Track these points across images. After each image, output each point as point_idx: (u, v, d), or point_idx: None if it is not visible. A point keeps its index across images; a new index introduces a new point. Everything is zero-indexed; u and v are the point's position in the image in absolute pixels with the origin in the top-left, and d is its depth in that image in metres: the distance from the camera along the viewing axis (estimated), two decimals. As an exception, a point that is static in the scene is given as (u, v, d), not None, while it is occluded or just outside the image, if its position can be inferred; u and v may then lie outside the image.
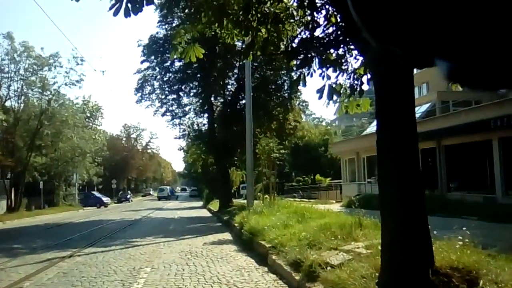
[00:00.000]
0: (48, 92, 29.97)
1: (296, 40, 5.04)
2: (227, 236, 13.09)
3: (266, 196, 15.96)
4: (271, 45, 5.08)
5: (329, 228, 8.08)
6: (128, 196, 58.04)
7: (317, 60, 4.85)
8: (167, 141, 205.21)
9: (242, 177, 43.63)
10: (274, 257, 7.63)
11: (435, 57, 0.63)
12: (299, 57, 4.87)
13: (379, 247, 6.38)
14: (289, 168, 47.01)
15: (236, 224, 13.68)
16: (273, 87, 24.72)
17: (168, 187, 69.56)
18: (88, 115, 64.54)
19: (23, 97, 29.34)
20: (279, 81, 24.96)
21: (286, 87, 24.65)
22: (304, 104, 26.18)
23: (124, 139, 76.78)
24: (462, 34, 0.59)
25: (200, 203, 40.30)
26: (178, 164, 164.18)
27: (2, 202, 30.45)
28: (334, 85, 5.39)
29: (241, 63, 25.21)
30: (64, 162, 36.77)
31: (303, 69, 5.00)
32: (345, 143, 34.90)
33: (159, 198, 58.83)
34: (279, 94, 24.70)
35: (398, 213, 4.35)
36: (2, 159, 27.35)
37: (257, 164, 21.61)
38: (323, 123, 67.84)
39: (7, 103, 29.48)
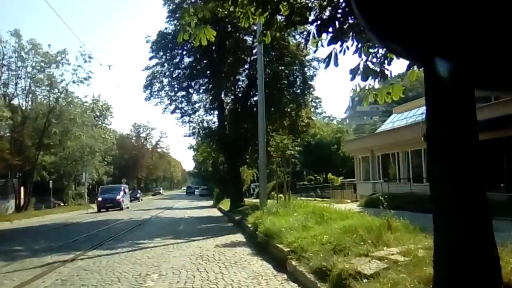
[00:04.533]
0: (56, 90, 29.51)
1: (329, 9, 4.27)
2: (239, 237, 12.35)
3: (281, 195, 15.16)
4: (298, 16, 4.29)
5: (355, 231, 7.28)
6: (138, 195, 57.66)
7: (352, 33, 4.06)
8: (177, 140, 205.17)
9: (252, 175, 42.99)
10: (294, 262, 6.86)
11: (434, 56, 0.62)
12: (330, 31, 4.09)
13: (418, 254, 5.60)
14: (301, 166, 46.15)
15: (249, 225, 12.93)
16: (285, 82, 23.93)
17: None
18: (98, 114, 64.64)
19: (30, 95, 28.91)
20: (291, 77, 24.17)
21: (298, 83, 23.86)
22: (316, 100, 25.37)
23: (134, 138, 76.61)
24: (462, 34, 0.58)
25: (210, 202, 39.64)
26: (187, 163, 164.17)
27: (11, 201, 30.13)
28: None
29: (252, 58, 24.51)
30: (73, 161, 36.42)
31: (335, 45, 4.22)
32: (359, 141, 33.99)
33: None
34: (291, 90, 23.91)
35: (455, 216, 3.54)
36: (10, 158, 26.96)
37: (269, 162, 20.91)
38: (334, 122, 66.90)
39: (15, 101, 29.13)
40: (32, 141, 29.44)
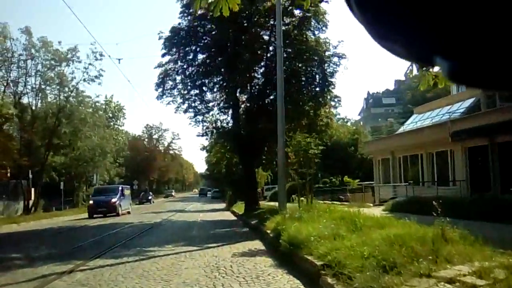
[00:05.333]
0: (67, 89, 28.75)
1: None
2: (258, 245, 11.18)
3: (302, 198, 13.93)
4: None
5: (402, 242, 6.07)
6: (150, 197, 56.85)
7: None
8: (190, 142, 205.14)
9: (266, 178, 41.82)
10: (330, 280, 5.68)
11: (436, 56, 0.62)
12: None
13: (498, 276, 4.38)
14: (316, 168, 44.73)
15: (268, 231, 11.76)
16: (303, 79, 22.71)
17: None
18: (110, 115, 64.24)
19: (40, 94, 28.14)
20: (310, 74, 22.94)
21: (318, 80, 22.60)
22: (336, 99, 24.01)
23: (146, 139, 76.06)
24: (464, 33, 0.58)
25: (223, 205, 38.56)
26: (200, 165, 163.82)
27: (21, 203, 29.45)
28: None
29: (268, 55, 23.39)
30: (84, 162, 35.67)
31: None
32: (378, 142, 32.58)
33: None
34: (310, 88, 22.67)
35: None
36: (17, 158, 26.26)
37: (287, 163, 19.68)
38: (348, 124, 65.29)
39: (24, 100, 28.42)
40: (42, 141, 28.68)
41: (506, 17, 0.54)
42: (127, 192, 31.97)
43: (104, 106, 54.58)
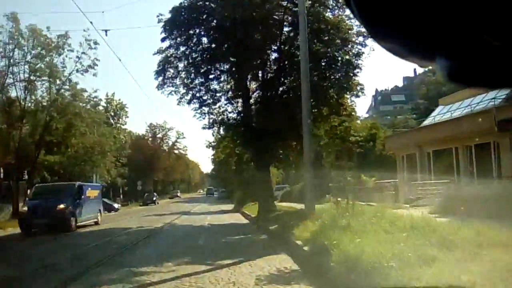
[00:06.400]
0: (59, 81, 26.01)
1: None
2: (287, 261, 8.36)
3: (339, 199, 11.03)
4: None
5: None
6: (154, 198, 54.31)
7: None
8: (195, 143, 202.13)
9: (277, 177, 39.04)
10: None
11: (436, 56, 0.63)
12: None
13: None
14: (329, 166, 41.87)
15: (298, 242, 8.99)
16: (323, 63, 19.83)
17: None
18: (112, 114, 61.73)
19: (29, 86, 25.42)
20: (331, 57, 20.05)
21: (340, 64, 19.66)
22: (359, 88, 21.03)
23: (150, 139, 73.44)
24: (462, 33, 0.59)
25: (231, 206, 35.75)
26: (206, 165, 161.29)
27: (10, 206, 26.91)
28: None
29: (282, 38, 20.63)
30: (82, 161, 33.00)
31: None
32: (402, 137, 29.58)
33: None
34: (332, 72, 19.79)
35: None
36: (7, 157, 23.70)
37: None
38: (358, 121, 62.26)
39: (12, 94, 25.75)
40: (33, 138, 26.01)
41: (504, 18, 0.53)
42: (93, 193, 21.82)
43: (105, 104, 52.07)
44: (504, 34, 0.55)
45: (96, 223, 21.18)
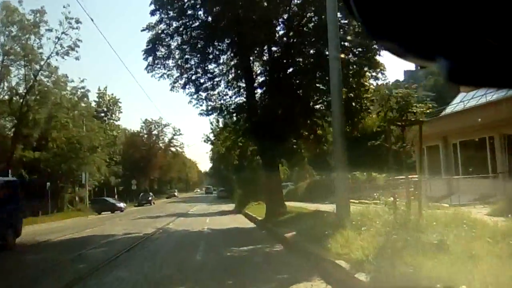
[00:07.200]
0: (37, 66, 22.87)
1: None
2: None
3: (398, 199, 7.84)
4: None
5: None
6: (150, 198, 51.21)
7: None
8: (193, 140, 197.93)
9: (282, 173, 36.07)
10: None
11: (435, 56, 0.62)
12: None
13: None
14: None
15: (343, 264, 5.99)
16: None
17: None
18: (105, 109, 58.65)
19: (3, 70, 22.22)
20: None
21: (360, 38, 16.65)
22: (378, 70, 18.02)
23: (145, 136, 70.30)
24: (462, 33, 0.58)
25: (231, 206, 32.76)
26: (203, 164, 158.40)
27: None
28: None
29: (289, 13, 17.69)
30: (68, 158, 29.85)
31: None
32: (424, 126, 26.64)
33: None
34: (350, 47, 16.78)
35: None
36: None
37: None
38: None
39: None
40: (8, 130, 22.93)
41: (504, 19, 0.53)
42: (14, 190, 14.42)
43: (97, 99, 49.01)
44: (504, 34, 0.54)
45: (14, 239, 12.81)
